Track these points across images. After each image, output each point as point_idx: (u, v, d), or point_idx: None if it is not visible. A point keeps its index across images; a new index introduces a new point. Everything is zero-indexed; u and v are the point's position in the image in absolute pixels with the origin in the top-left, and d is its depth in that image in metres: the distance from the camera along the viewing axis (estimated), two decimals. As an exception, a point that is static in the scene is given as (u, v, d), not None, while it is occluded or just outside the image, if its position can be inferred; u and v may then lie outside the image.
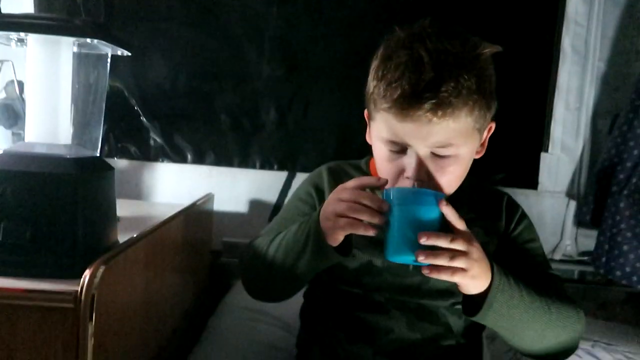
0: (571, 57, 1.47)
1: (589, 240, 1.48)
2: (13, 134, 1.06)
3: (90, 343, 0.65)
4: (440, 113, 0.68)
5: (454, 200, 0.85)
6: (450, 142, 0.72)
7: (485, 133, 0.79)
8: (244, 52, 1.48)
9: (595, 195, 1.41)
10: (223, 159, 1.52)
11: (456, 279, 0.66)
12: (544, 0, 1.47)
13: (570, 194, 1.52)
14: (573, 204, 1.51)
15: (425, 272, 0.66)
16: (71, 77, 0.75)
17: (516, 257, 0.83)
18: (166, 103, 1.50)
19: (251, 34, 1.48)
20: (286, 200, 0.95)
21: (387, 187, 0.74)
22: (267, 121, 1.51)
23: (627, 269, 1.29)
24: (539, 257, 0.85)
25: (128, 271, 0.77)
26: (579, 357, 1.11)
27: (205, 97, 1.50)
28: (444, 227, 0.68)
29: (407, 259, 0.66)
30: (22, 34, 0.71)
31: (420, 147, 0.72)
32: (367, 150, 0.87)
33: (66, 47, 0.73)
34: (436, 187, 0.74)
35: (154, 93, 1.50)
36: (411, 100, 0.68)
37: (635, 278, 1.28)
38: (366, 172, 0.89)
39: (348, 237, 0.70)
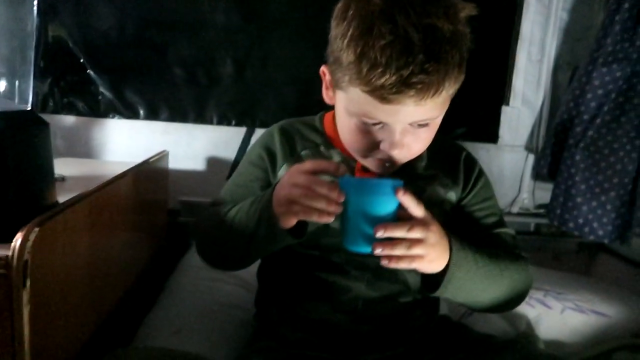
0: (535, 6, 1.44)
1: (545, 193, 1.51)
2: None
3: (26, 310, 0.61)
4: (426, 96, 0.65)
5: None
6: (431, 115, 0.70)
7: None
8: (197, -1, 1.39)
9: (552, 148, 1.43)
10: (178, 115, 1.45)
11: (414, 265, 0.65)
12: (509, -52, 1.43)
13: (529, 148, 1.53)
14: (532, 158, 1.53)
15: (383, 262, 0.64)
16: (-9, 22, 0.67)
17: (471, 216, 0.84)
18: (115, 54, 1.41)
19: (205, -21, 1.39)
20: (240, 163, 0.91)
21: (358, 157, 0.72)
22: (223, 74, 1.44)
23: (580, 221, 1.32)
24: (494, 215, 0.85)
25: (69, 233, 0.72)
26: (531, 306, 1.15)
27: (156, 47, 1.41)
28: (401, 213, 0.66)
29: (364, 249, 0.65)
30: None
31: (399, 125, 0.69)
32: (329, 105, 0.82)
33: (-18, -14, 0.65)
34: (410, 155, 0.73)
35: (100, 44, 1.40)
36: (399, 86, 0.63)
37: (587, 229, 1.32)
38: (321, 132, 0.85)
39: (302, 220, 0.67)
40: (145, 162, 1.17)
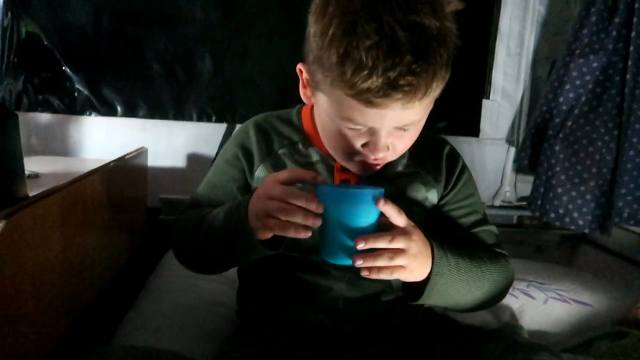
0: (513, 1, 1.45)
1: (527, 185, 1.52)
2: None
3: (-6, 305, 0.59)
4: (414, 99, 0.62)
5: None
6: (416, 118, 0.67)
7: None
8: (174, -8, 1.37)
9: (532, 140, 1.44)
10: (157, 111, 1.43)
11: (395, 275, 0.63)
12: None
13: (510, 140, 1.54)
14: (513, 151, 1.54)
15: (364, 273, 0.62)
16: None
17: (453, 214, 0.83)
18: (90, 50, 1.38)
19: (182, -27, 1.37)
20: (216, 159, 0.87)
21: (341, 160, 0.70)
22: (202, 69, 1.42)
23: (561, 211, 1.33)
24: (475, 213, 0.83)
25: (39, 228, 0.70)
26: (515, 297, 1.15)
27: (134, 43, 1.39)
28: (382, 220, 0.64)
29: (344, 261, 0.62)
30: None
31: (384, 129, 0.66)
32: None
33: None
34: (394, 155, 0.71)
35: (76, 39, 1.37)
36: (386, 91, 0.60)
37: (567, 219, 1.33)
38: (299, 128, 0.82)
39: None
40: (122, 159, 1.14)
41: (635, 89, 1.27)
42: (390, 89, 0.59)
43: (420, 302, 0.70)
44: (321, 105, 0.70)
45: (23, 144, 0.76)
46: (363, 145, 0.68)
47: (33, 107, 1.38)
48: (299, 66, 0.73)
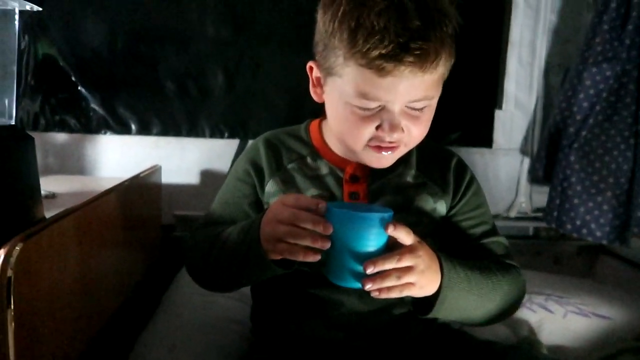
0: (523, 9, 1.45)
1: (542, 196, 1.50)
2: None
3: (11, 328, 0.59)
4: (424, 65, 0.64)
5: (405, 162, 0.83)
6: (427, 94, 0.68)
7: None
8: (185, 11, 1.39)
9: (547, 151, 1.42)
10: (170, 129, 1.44)
11: (405, 293, 0.64)
12: (496, -48, 1.44)
13: (524, 151, 1.53)
14: (527, 161, 1.53)
15: (374, 294, 0.63)
16: (-27, 37, 0.66)
17: (461, 226, 0.82)
18: (105, 70, 1.41)
19: (192, -9, 1.39)
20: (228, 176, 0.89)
21: (357, 146, 0.71)
22: (214, 86, 1.43)
23: (578, 222, 1.31)
24: (484, 224, 0.83)
25: (56, 249, 0.71)
26: (533, 311, 1.13)
27: (147, 62, 1.41)
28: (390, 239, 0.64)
29: (353, 284, 0.63)
30: None
31: (397, 104, 0.68)
32: (320, 114, 0.81)
33: (-37, 1, 0.65)
34: (410, 140, 0.72)
35: (90, 60, 1.40)
36: (398, 53, 0.62)
37: (585, 230, 1.31)
38: (307, 141, 0.83)
39: None
40: (137, 177, 1.16)
41: (650, 96, 1.26)
42: (403, 52, 0.62)
43: (430, 315, 0.70)
44: (334, 92, 0.72)
45: (40, 163, 0.78)
46: (377, 128, 0.69)
47: (50, 127, 1.41)
48: (309, 64, 0.76)
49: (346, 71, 0.67)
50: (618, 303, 1.17)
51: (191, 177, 1.47)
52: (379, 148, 0.72)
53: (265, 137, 0.85)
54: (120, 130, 1.43)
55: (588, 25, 1.36)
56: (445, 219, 0.82)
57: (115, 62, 1.40)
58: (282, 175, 0.80)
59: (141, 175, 1.19)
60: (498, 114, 1.51)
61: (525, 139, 1.52)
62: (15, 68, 0.71)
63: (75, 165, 1.43)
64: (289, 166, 0.81)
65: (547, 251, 1.56)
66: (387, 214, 0.62)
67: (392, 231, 0.62)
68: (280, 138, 0.84)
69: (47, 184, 1.03)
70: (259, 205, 0.82)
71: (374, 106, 0.68)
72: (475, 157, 1.51)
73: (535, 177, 1.49)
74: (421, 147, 0.83)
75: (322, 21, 0.70)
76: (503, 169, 1.53)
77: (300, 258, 0.61)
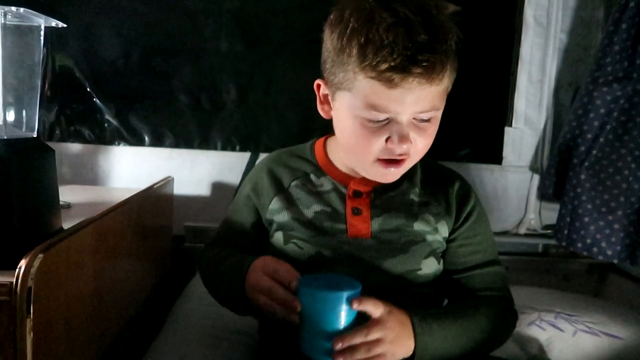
0: (534, 28, 1.46)
1: (552, 213, 1.50)
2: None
3: (29, 337, 0.60)
4: (431, 77, 0.67)
5: (409, 179, 0.84)
6: (434, 105, 0.71)
7: None
8: (200, 26, 1.42)
9: (557, 168, 1.42)
10: (182, 141, 1.46)
11: None
12: (506, -29, 1.46)
13: (533, 168, 1.53)
14: (537, 178, 1.53)
15: None
16: (0, 51, 0.68)
17: (459, 251, 0.84)
18: (120, 82, 1.43)
19: (208, 8, 1.41)
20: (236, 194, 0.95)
21: (366, 161, 0.74)
22: (227, 99, 1.45)
23: (588, 241, 1.31)
24: (483, 252, 0.84)
25: (73, 259, 0.72)
26: (543, 329, 1.12)
27: (161, 75, 1.43)
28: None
29: (324, 358, 0.65)
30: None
31: (405, 115, 0.70)
32: (331, 128, 0.83)
33: (-8, 17, 0.67)
34: (416, 152, 0.75)
35: (106, 72, 1.43)
36: (407, 65, 0.65)
37: (595, 249, 1.30)
38: (310, 159, 0.87)
39: None
40: (150, 188, 1.17)
41: (661, 116, 1.26)
42: (411, 64, 0.65)
43: None
44: (343, 107, 0.74)
45: (54, 173, 0.79)
46: (386, 140, 0.71)
47: (65, 138, 1.43)
48: (317, 82, 0.80)
49: (356, 85, 0.70)
50: (629, 322, 1.16)
51: (202, 189, 1.48)
52: (387, 163, 0.74)
53: (269, 160, 0.90)
54: (134, 142, 1.45)
55: (598, 45, 1.37)
56: (447, 242, 0.84)
57: (130, 75, 1.42)
58: (285, 194, 0.84)
59: (154, 186, 1.20)
60: (508, 131, 1.51)
61: (535, 156, 1.52)
62: (39, 82, 0.73)
63: (89, 175, 1.45)
64: (293, 184, 0.85)
65: (556, 269, 1.55)
66: (353, 291, 0.65)
67: (358, 307, 0.65)
68: (283, 159, 0.89)
69: (62, 194, 1.04)
70: (261, 226, 0.88)
71: (383, 118, 0.71)
72: (484, 174, 1.51)
73: (544, 194, 1.49)
74: (426, 166, 0.85)
75: (330, 39, 0.73)
76: (512, 186, 1.53)
77: (278, 317, 0.68)
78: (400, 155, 0.73)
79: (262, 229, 0.88)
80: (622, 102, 1.29)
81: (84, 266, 0.77)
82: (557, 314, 1.17)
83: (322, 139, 0.90)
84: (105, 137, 1.45)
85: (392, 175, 0.77)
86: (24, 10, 0.65)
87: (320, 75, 0.80)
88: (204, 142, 1.46)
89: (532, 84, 1.49)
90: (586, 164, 1.32)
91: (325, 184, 0.83)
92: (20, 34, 0.71)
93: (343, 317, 0.65)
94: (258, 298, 0.70)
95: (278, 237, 0.83)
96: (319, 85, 0.80)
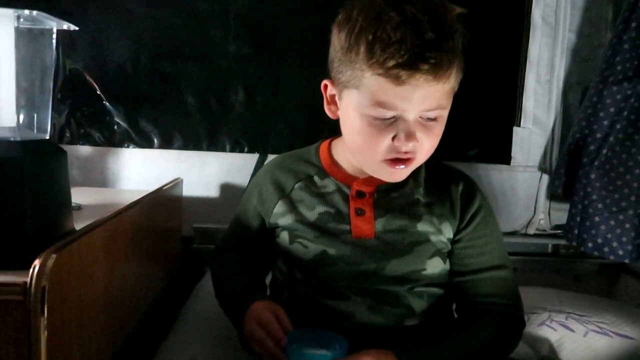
0: (542, 28, 1.46)
1: (562, 213, 1.49)
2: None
3: (44, 337, 0.61)
4: (438, 74, 0.67)
5: (413, 180, 0.84)
6: (440, 104, 0.71)
7: None
8: (209, 29, 1.43)
9: (566, 168, 1.41)
10: (191, 143, 1.47)
11: None
12: (514, -29, 1.46)
13: (542, 168, 1.52)
14: (546, 178, 1.52)
15: None
16: (13, 54, 0.69)
17: (463, 254, 0.83)
18: (129, 85, 1.44)
19: (216, 11, 1.42)
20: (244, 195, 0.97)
21: (373, 160, 0.74)
22: (235, 102, 1.46)
23: (599, 240, 1.30)
24: (487, 254, 0.83)
25: (85, 260, 0.73)
26: (554, 329, 1.12)
27: (170, 78, 1.44)
28: None
29: None
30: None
31: (412, 113, 0.70)
32: (338, 129, 0.83)
33: (6, 20, 0.68)
34: (423, 152, 0.75)
35: (116, 75, 1.44)
36: (414, 61, 0.66)
37: (606, 249, 1.29)
38: (315, 162, 0.88)
39: None
40: (159, 190, 1.18)
41: (672, 115, 1.25)
42: (418, 60, 0.65)
43: None
44: (350, 105, 0.75)
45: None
46: (393, 139, 0.72)
47: (75, 140, 1.44)
48: (324, 82, 0.81)
49: (363, 82, 0.70)
50: (640, 323, 1.15)
51: (211, 191, 1.49)
52: (394, 162, 0.74)
53: (273, 164, 0.92)
54: (143, 144, 1.46)
55: (607, 44, 1.37)
56: (451, 243, 0.83)
57: (139, 78, 1.44)
58: (289, 197, 0.86)
59: (164, 188, 1.21)
60: (516, 131, 1.51)
61: (544, 156, 1.52)
62: (51, 84, 0.73)
63: (99, 177, 1.46)
64: (296, 186, 0.86)
65: (567, 269, 1.54)
66: (335, 352, 0.68)
67: None
68: (287, 162, 0.90)
69: (73, 196, 1.05)
70: (264, 229, 0.90)
71: (390, 116, 0.71)
72: (493, 174, 1.51)
73: (554, 194, 1.48)
74: (431, 166, 0.85)
75: (338, 38, 0.74)
76: (521, 186, 1.52)
77: None
78: (406, 153, 0.73)
79: (268, 232, 0.90)
80: (632, 101, 1.28)
81: (95, 266, 0.77)
82: (568, 314, 1.16)
83: (327, 141, 0.91)
84: (115, 140, 1.46)
85: (399, 174, 0.78)
86: (36, 13, 0.66)
87: (327, 77, 0.81)
88: (212, 144, 1.47)
89: (541, 84, 1.48)
90: (596, 163, 1.31)
91: (329, 185, 0.84)
92: (32, 37, 0.72)
93: None
94: (253, 345, 0.73)
95: (284, 236, 0.85)
96: (326, 86, 0.80)
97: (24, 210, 0.66)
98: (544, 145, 1.51)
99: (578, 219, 1.34)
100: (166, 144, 1.46)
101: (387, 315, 0.79)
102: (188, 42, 1.43)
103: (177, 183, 1.34)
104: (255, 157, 1.48)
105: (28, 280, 0.60)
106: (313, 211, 0.83)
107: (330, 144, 0.90)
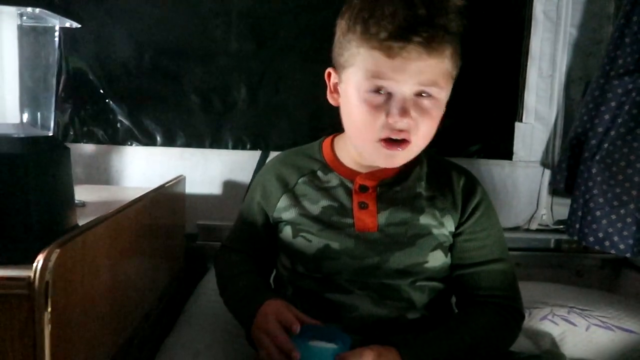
0: (543, 23, 1.45)
1: (564, 208, 1.49)
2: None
3: (48, 331, 0.62)
4: (431, 48, 0.69)
5: (415, 174, 0.85)
6: (436, 81, 0.72)
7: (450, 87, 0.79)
8: (211, 27, 1.43)
9: (568, 162, 1.41)
10: (194, 140, 1.48)
11: None
12: (515, -34, 1.46)
13: (545, 163, 1.52)
14: (548, 173, 1.52)
15: None
16: (17, 52, 0.70)
17: (464, 247, 0.84)
18: (132, 83, 1.45)
19: (218, 9, 1.43)
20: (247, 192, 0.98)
21: (369, 140, 0.75)
22: (237, 99, 1.47)
23: (600, 235, 1.30)
24: (488, 247, 0.84)
25: (89, 255, 0.73)
26: (556, 323, 1.12)
27: (172, 76, 1.45)
28: None
29: None
30: (-42, 6, 0.66)
31: (407, 87, 0.72)
32: (340, 126, 0.85)
33: (9, 18, 0.69)
34: (418, 136, 0.76)
35: (119, 73, 1.45)
36: (406, 33, 0.68)
37: (607, 243, 1.29)
38: (318, 157, 0.89)
39: None
40: (162, 187, 1.19)
41: (674, 109, 1.25)
42: (410, 33, 0.68)
43: None
44: (348, 85, 0.77)
45: (68, 173, 0.81)
46: (388, 117, 0.73)
47: (78, 138, 1.45)
48: (328, 70, 0.84)
49: (358, 59, 0.73)
50: (643, 317, 1.15)
51: (214, 188, 1.49)
52: (390, 144, 0.74)
53: (276, 162, 0.93)
54: (146, 142, 1.47)
55: (609, 38, 1.36)
56: (453, 237, 0.84)
57: (142, 76, 1.44)
58: (292, 191, 0.87)
59: (167, 185, 1.22)
60: (518, 126, 1.51)
61: (546, 151, 1.51)
62: (54, 82, 0.74)
63: (102, 175, 1.47)
64: (300, 180, 0.87)
65: (569, 264, 1.54)
66: (339, 347, 0.70)
67: None
68: (291, 158, 0.92)
69: (76, 194, 1.06)
70: (268, 224, 0.91)
71: (385, 85, 0.72)
72: (495, 170, 1.51)
73: (556, 189, 1.48)
74: (432, 160, 0.86)
75: (339, 26, 0.77)
76: (523, 181, 1.52)
77: None
78: (401, 132, 0.74)
79: (272, 228, 0.91)
80: (634, 95, 1.28)
81: (99, 262, 0.78)
82: (570, 308, 1.16)
83: (330, 138, 0.92)
84: (118, 138, 1.47)
85: (397, 158, 0.78)
86: (39, 10, 0.67)
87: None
88: (215, 142, 1.48)
89: (543, 78, 1.48)
90: (597, 157, 1.31)
91: (332, 180, 0.85)
92: (36, 34, 0.73)
93: None
94: (260, 350, 0.72)
95: (287, 231, 0.85)
96: (329, 74, 0.83)
97: (27, 205, 0.66)
98: (546, 141, 1.51)
99: (579, 213, 1.34)
100: (169, 142, 1.47)
101: (389, 308, 0.81)
102: (190, 41, 1.44)
103: (180, 180, 1.35)
104: (257, 154, 1.48)
105: (32, 274, 0.61)
106: (316, 205, 0.84)
107: (332, 141, 0.91)
